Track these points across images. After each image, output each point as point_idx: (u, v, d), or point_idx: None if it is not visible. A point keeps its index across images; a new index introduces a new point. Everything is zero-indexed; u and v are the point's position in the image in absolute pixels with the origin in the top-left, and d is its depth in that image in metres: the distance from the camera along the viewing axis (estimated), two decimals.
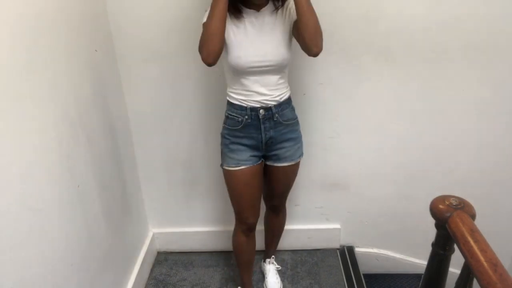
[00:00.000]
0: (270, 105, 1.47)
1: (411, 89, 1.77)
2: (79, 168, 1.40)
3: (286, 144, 1.55)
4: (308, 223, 2.15)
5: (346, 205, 2.09)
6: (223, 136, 1.55)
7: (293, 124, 1.55)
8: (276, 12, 1.41)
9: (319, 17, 1.53)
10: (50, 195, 1.22)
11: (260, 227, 1.96)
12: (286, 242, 2.17)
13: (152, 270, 2.13)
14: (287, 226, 2.08)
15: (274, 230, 1.94)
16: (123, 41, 1.70)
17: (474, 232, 0.97)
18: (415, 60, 1.70)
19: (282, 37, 1.41)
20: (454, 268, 1.19)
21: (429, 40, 1.66)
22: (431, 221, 1.15)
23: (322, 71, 1.74)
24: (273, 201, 1.79)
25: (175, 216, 2.15)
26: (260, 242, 2.04)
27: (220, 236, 2.15)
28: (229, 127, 1.52)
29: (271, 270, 1.99)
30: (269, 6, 1.41)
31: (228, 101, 1.51)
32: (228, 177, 1.57)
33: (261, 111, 1.46)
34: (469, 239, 0.95)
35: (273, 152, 1.56)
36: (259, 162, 1.57)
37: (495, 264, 0.87)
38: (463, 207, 1.07)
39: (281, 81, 1.47)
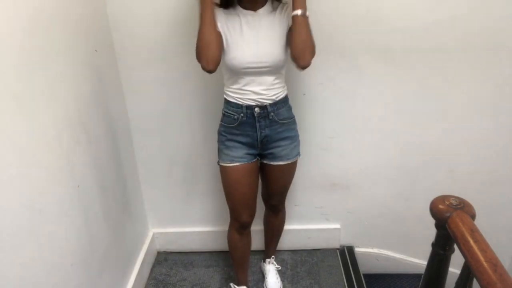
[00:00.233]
0: (265, 104, 1.47)
1: (411, 89, 1.77)
2: (79, 168, 1.40)
3: (282, 143, 1.55)
4: (308, 223, 2.15)
5: (346, 205, 2.09)
6: (219, 133, 1.57)
7: (289, 123, 1.56)
8: (274, 13, 1.41)
9: (319, 17, 1.53)
10: (50, 195, 1.21)
11: (259, 227, 1.97)
12: (286, 242, 2.17)
13: (152, 270, 2.13)
14: (287, 226, 2.08)
15: (274, 230, 1.94)
16: (123, 41, 1.70)
17: (474, 232, 0.97)
18: (415, 60, 1.70)
19: (278, 38, 1.40)
20: (454, 268, 1.19)
21: (429, 40, 1.66)
22: (431, 221, 1.16)
23: (322, 71, 1.74)
24: (272, 201, 1.79)
25: (175, 216, 2.15)
26: (259, 242, 2.05)
27: (220, 236, 2.15)
28: (225, 124, 1.54)
29: (271, 270, 1.99)
30: (266, 7, 1.42)
31: (225, 98, 1.53)
32: (223, 173, 1.58)
33: (256, 109, 1.47)
34: (469, 239, 0.96)
35: (269, 151, 1.56)
36: (254, 161, 1.58)
37: (495, 264, 0.87)
38: (463, 207, 1.07)
39: (277, 81, 1.47)
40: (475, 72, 1.72)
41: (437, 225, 1.15)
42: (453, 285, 1.13)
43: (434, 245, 1.20)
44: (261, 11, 1.41)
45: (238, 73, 1.43)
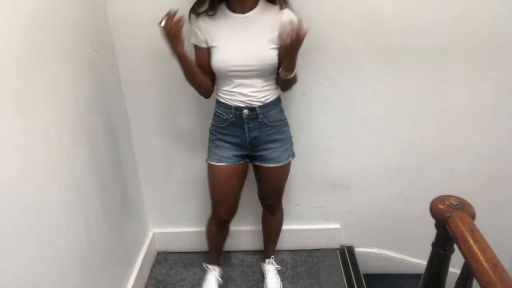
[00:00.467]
0: (254, 106, 1.48)
1: (411, 89, 1.77)
2: (79, 168, 1.40)
3: (272, 145, 1.55)
4: (308, 223, 2.15)
5: (346, 205, 2.09)
6: (210, 132, 1.60)
7: (280, 125, 1.55)
8: (264, 17, 1.41)
9: (319, 17, 1.54)
10: (50, 195, 1.21)
11: (258, 227, 1.97)
12: (286, 242, 2.17)
13: (152, 270, 2.13)
14: (287, 226, 2.08)
15: (271, 230, 1.94)
16: (123, 41, 1.70)
17: (474, 232, 0.97)
18: (415, 60, 1.70)
19: (266, 42, 1.40)
20: (454, 268, 1.19)
21: (429, 40, 1.66)
22: (431, 221, 1.16)
23: (322, 71, 1.74)
24: (267, 200, 1.80)
25: (175, 216, 2.15)
26: (259, 242, 2.05)
27: None
28: (215, 124, 1.57)
29: (270, 270, 1.99)
30: (256, 10, 1.41)
31: (216, 98, 1.55)
32: (210, 171, 1.62)
33: (245, 111, 1.48)
34: (469, 239, 0.96)
35: (259, 153, 1.57)
36: (241, 162, 1.60)
37: (495, 264, 0.87)
38: (463, 207, 1.07)
39: (267, 83, 1.47)
40: (475, 72, 1.72)
41: (437, 225, 1.15)
42: (453, 285, 1.13)
43: (434, 245, 1.20)
44: (250, 14, 1.41)
45: (225, 75, 1.45)
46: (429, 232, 1.22)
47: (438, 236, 1.17)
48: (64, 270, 1.29)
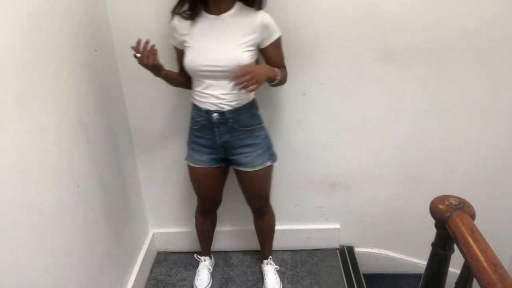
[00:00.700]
0: (224, 110, 1.48)
1: (411, 89, 1.77)
2: (79, 168, 1.40)
3: (244, 150, 1.55)
4: (308, 223, 2.15)
5: (346, 205, 2.09)
6: (188, 133, 1.63)
7: (252, 130, 1.54)
8: (240, 19, 1.41)
9: (319, 17, 1.54)
10: (50, 195, 1.21)
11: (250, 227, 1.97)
12: (286, 242, 2.17)
13: (152, 270, 2.13)
14: (287, 226, 2.08)
15: (263, 232, 1.93)
16: (123, 41, 1.70)
17: (474, 232, 0.97)
18: (415, 60, 1.70)
19: (239, 44, 1.40)
20: (454, 268, 1.19)
21: (429, 40, 1.66)
22: (431, 221, 1.16)
23: (322, 71, 1.74)
24: (253, 205, 1.80)
25: (175, 216, 2.15)
26: (255, 242, 2.04)
27: (219, 236, 2.15)
28: (191, 126, 1.60)
29: (269, 271, 1.99)
30: (231, 12, 1.41)
31: (191, 100, 1.57)
32: (188, 170, 1.69)
33: (214, 114, 1.48)
34: (469, 239, 0.96)
35: (233, 157, 1.58)
36: (217, 166, 1.62)
37: (495, 264, 0.87)
38: (463, 207, 1.07)
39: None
40: (475, 72, 1.72)
41: (437, 225, 1.15)
42: (453, 285, 1.13)
43: (434, 245, 1.20)
44: (225, 15, 1.41)
45: (196, 75, 1.46)
46: (429, 232, 1.22)
47: (438, 236, 1.17)
48: (64, 270, 1.29)
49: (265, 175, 1.65)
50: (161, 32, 1.68)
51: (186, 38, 1.44)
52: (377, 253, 2.22)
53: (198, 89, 1.49)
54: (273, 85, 1.51)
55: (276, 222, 1.96)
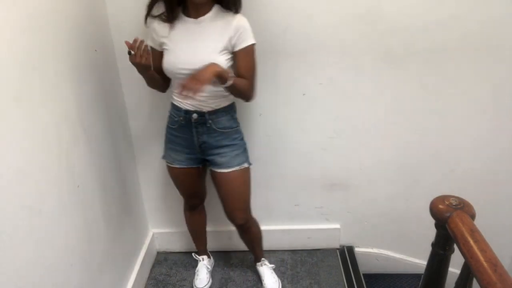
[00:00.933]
0: (204, 111, 1.49)
1: (411, 89, 1.77)
2: (79, 168, 1.40)
3: (221, 150, 1.56)
4: (308, 223, 2.15)
5: (346, 205, 2.09)
6: (165, 132, 1.64)
7: (229, 132, 1.55)
8: (218, 22, 1.41)
9: (319, 17, 1.54)
10: (50, 195, 1.21)
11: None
12: (286, 242, 2.17)
13: (151, 270, 2.13)
14: (287, 226, 2.09)
15: (252, 242, 1.89)
16: (123, 41, 1.69)
17: (474, 232, 0.97)
18: (415, 60, 1.70)
19: (216, 47, 1.40)
20: (454, 268, 1.19)
21: (429, 40, 1.66)
22: (431, 221, 1.16)
23: (322, 71, 1.74)
24: (236, 218, 1.70)
25: (175, 216, 2.14)
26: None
27: (219, 236, 2.15)
28: (169, 125, 1.60)
29: (266, 271, 1.98)
30: (209, 15, 1.42)
31: (171, 100, 1.58)
32: (167, 169, 1.70)
33: (194, 115, 1.50)
34: (469, 239, 0.96)
35: (210, 157, 1.58)
36: (196, 166, 1.63)
37: (495, 264, 0.87)
38: (463, 207, 1.07)
39: (216, 89, 1.45)
40: (475, 72, 1.72)
41: (437, 225, 1.15)
42: (453, 285, 1.13)
43: (434, 245, 1.20)
44: (203, 19, 1.41)
45: (174, 77, 1.47)
46: (429, 232, 1.22)
47: (438, 236, 1.17)
48: (64, 270, 1.29)
49: (243, 178, 1.62)
50: None
51: (164, 40, 1.44)
52: (377, 253, 2.22)
53: (177, 90, 1.48)
54: (231, 92, 1.45)
55: (276, 222, 1.96)
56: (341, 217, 2.14)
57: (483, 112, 1.81)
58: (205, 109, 1.49)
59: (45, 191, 1.19)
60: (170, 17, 1.42)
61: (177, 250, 2.23)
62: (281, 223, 2.15)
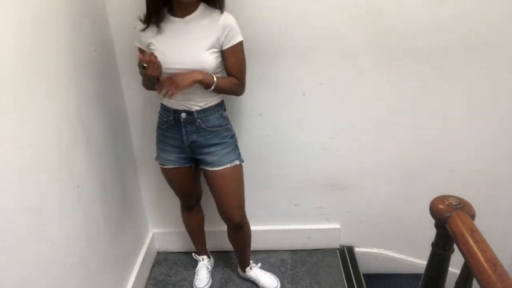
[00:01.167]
0: (192, 110, 1.49)
1: (411, 89, 1.77)
2: (79, 168, 1.40)
3: (211, 149, 1.56)
4: (307, 223, 2.15)
5: (346, 205, 2.09)
6: (156, 132, 1.64)
7: (219, 131, 1.55)
8: (204, 21, 1.41)
9: (319, 17, 1.54)
10: (50, 195, 1.22)
11: (257, 227, 1.96)
12: (286, 242, 2.17)
13: (151, 270, 2.13)
14: (287, 226, 2.08)
15: (244, 244, 1.87)
16: (123, 41, 1.70)
17: (473, 232, 0.97)
18: (415, 60, 1.70)
19: (203, 46, 1.40)
20: (454, 268, 1.19)
21: (429, 40, 1.66)
22: (431, 221, 1.16)
23: (322, 71, 1.74)
24: (232, 216, 1.69)
25: (175, 216, 2.14)
26: (258, 242, 2.04)
27: (219, 236, 2.14)
28: (159, 125, 1.61)
29: (258, 273, 1.97)
30: (196, 14, 1.41)
31: (159, 100, 1.58)
32: (161, 170, 1.70)
33: (182, 114, 1.50)
34: (469, 239, 0.96)
35: (201, 156, 1.59)
36: (187, 165, 1.64)
37: (495, 264, 0.87)
38: (463, 207, 1.07)
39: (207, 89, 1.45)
40: (475, 72, 1.72)
41: (437, 225, 1.15)
42: (453, 285, 1.13)
43: (434, 245, 1.20)
44: (189, 18, 1.41)
45: (163, 76, 1.46)
46: (429, 232, 1.22)
47: (438, 236, 1.17)
48: (63, 270, 1.29)
49: (235, 175, 1.62)
50: None
51: (152, 40, 1.44)
52: (377, 253, 2.22)
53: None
54: (218, 93, 1.50)
55: (276, 222, 1.96)
56: (341, 217, 2.14)
57: (483, 112, 1.81)
58: (194, 108, 1.49)
59: (45, 191, 1.19)
60: (157, 19, 1.41)
61: (177, 250, 2.23)
62: (281, 223, 2.15)
